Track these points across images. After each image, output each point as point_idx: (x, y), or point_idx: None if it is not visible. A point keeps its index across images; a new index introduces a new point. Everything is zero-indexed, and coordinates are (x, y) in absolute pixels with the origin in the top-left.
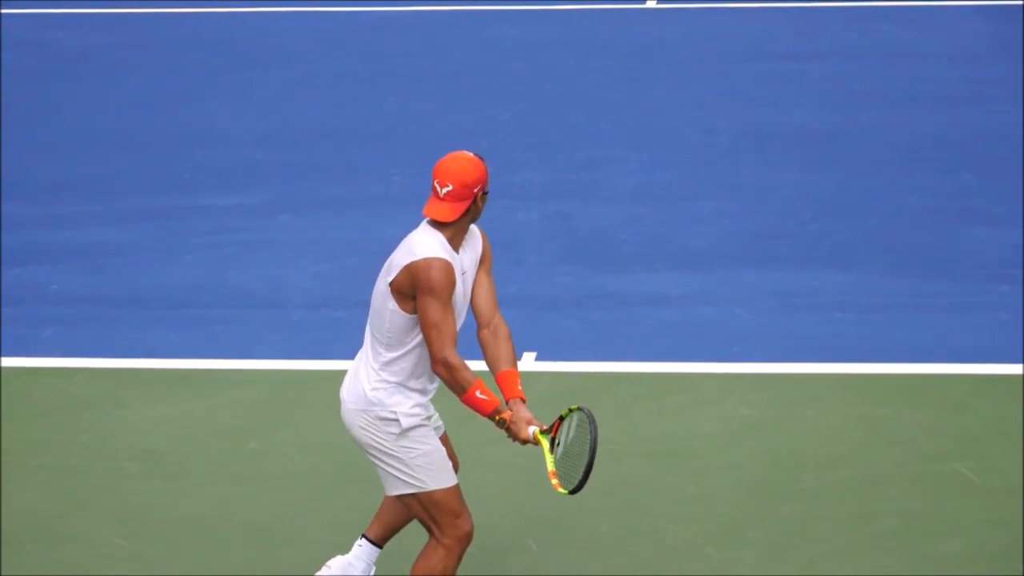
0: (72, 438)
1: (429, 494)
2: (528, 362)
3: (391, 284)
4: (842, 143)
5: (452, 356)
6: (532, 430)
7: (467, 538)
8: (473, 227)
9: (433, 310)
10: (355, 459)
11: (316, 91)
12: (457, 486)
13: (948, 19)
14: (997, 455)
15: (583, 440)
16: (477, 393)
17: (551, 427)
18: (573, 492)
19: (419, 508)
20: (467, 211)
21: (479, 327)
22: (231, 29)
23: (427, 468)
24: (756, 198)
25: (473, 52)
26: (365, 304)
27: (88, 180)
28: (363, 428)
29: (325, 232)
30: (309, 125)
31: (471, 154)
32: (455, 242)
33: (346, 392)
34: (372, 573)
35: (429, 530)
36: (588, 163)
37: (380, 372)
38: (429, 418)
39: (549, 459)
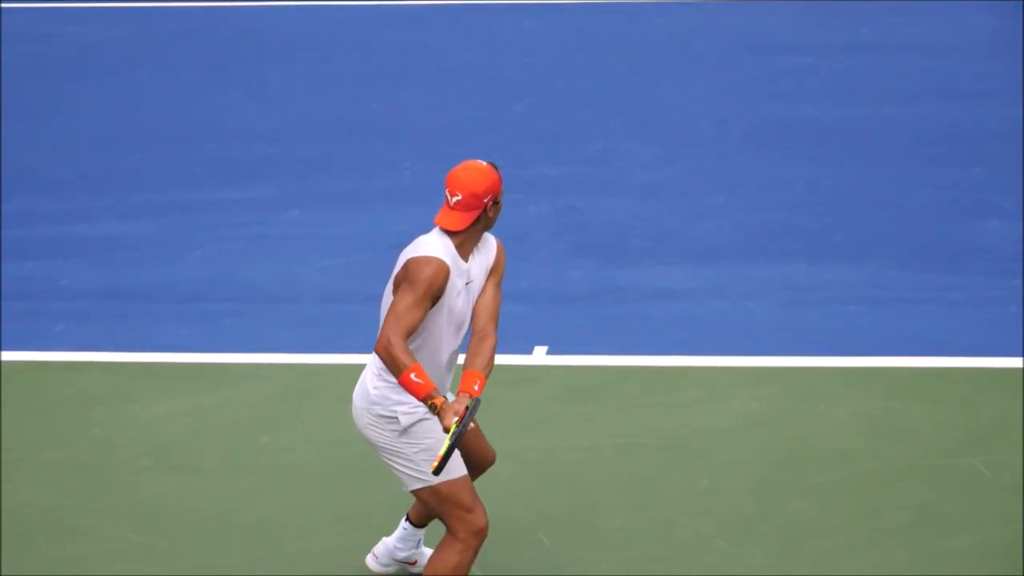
0: (83, 432)
1: (435, 488)
2: (539, 356)
3: (393, 280)
4: (854, 137)
5: (397, 339)
6: (454, 420)
7: (481, 533)
8: (489, 236)
9: (404, 300)
10: (366, 453)
11: (326, 85)
12: (466, 479)
13: (960, 14)
14: (1007, 449)
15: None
16: (412, 376)
17: (460, 417)
18: (434, 472)
19: (431, 503)
20: (477, 220)
21: (471, 333)
22: (240, 23)
23: (430, 463)
24: (768, 192)
25: (484, 46)
26: (376, 298)
27: (98, 175)
28: (369, 426)
29: (335, 227)
30: (319, 119)
31: (484, 163)
32: (464, 250)
33: (355, 392)
34: (422, 550)
35: (445, 525)
36: (599, 157)
37: (381, 371)
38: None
39: (445, 445)
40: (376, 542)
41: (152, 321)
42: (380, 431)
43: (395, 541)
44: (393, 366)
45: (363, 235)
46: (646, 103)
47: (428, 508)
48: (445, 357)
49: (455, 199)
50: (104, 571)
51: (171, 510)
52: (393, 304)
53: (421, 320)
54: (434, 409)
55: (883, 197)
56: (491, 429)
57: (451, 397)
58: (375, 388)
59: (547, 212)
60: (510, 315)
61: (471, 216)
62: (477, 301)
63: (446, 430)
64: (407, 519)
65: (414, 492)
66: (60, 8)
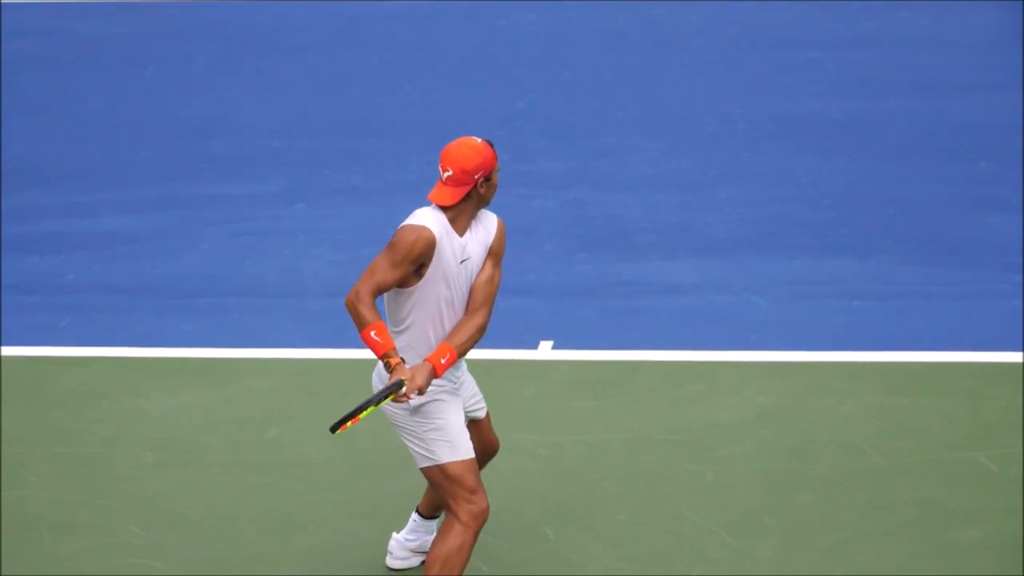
0: (89, 427)
1: (443, 467)
2: (545, 351)
3: None
4: (859, 131)
5: (365, 295)
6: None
7: (483, 515)
8: (490, 214)
9: (382, 260)
10: (372, 448)
11: (332, 80)
12: (474, 463)
13: (964, 8)
14: (1013, 443)
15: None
16: (372, 334)
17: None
18: (331, 430)
19: (437, 481)
20: (468, 196)
21: (466, 312)
22: (247, 18)
23: (440, 442)
24: (773, 186)
25: (490, 40)
26: None
27: (104, 169)
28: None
29: (342, 221)
30: (326, 114)
31: (479, 140)
32: (458, 224)
33: (374, 371)
34: (432, 536)
35: (447, 506)
36: (605, 151)
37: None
38: (456, 390)
39: (369, 411)
40: (384, 536)
41: (157, 316)
42: (393, 408)
43: (406, 533)
44: (357, 320)
45: (369, 229)
46: (652, 97)
47: (433, 487)
48: (439, 335)
49: (446, 174)
50: (109, 566)
51: (177, 505)
52: (371, 263)
53: (394, 283)
54: (388, 368)
55: (889, 191)
56: (498, 424)
57: (468, 380)
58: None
59: (553, 206)
60: (516, 310)
61: (461, 192)
62: (475, 280)
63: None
64: (417, 511)
65: (423, 470)
66: (66, 4)
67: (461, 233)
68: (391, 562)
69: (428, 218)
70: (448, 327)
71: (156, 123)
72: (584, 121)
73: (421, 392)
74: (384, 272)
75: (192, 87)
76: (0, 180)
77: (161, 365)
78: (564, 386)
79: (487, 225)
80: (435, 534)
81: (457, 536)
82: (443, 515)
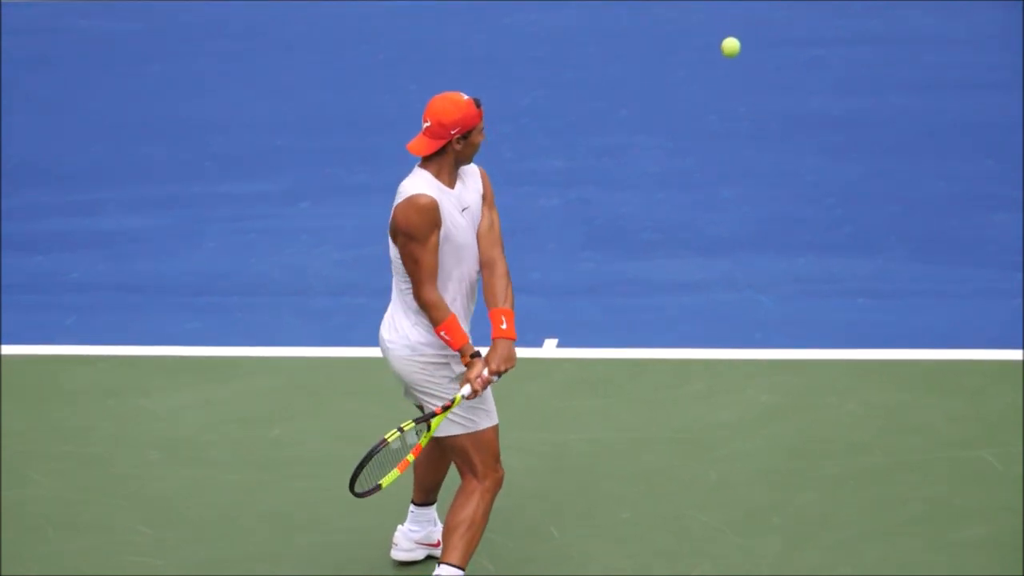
0: (94, 425)
1: (477, 434)
2: (549, 349)
3: (389, 232)
4: (864, 129)
5: (428, 294)
6: (458, 393)
7: (501, 482)
8: (472, 166)
9: (416, 252)
10: None
11: (337, 78)
12: (498, 427)
13: (968, 6)
14: (1017, 441)
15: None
16: (442, 333)
17: (444, 406)
18: (358, 493)
19: (464, 448)
20: (443, 151)
21: (481, 266)
22: (253, 16)
23: (479, 409)
24: (777, 184)
25: (494, 39)
26: (387, 290)
27: (109, 167)
28: (416, 372)
29: (346, 219)
30: (330, 112)
31: (464, 97)
32: (443, 179)
33: (388, 333)
34: (438, 527)
35: (471, 471)
36: (609, 149)
37: (417, 314)
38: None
39: (425, 437)
40: (386, 535)
41: (163, 314)
42: (428, 377)
43: (409, 524)
44: (430, 320)
45: (373, 228)
46: (656, 96)
47: (456, 454)
48: (462, 288)
49: (424, 124)
50: (114, 564)
51: (180, 504)
52: (410, 260)
53: (437, 258)
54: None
55: (893, 189)
56: (502, 423)
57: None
58: (414, 325)
59: (557, 204)
60: (520, 308)
61: (435, 144)
62: (478, 230)
63: (445, 407)
64: (413, 503)
65: (450, 438)
66: (68, 3)
67: (451, 185)
68: (396, 554)
69: (417, 185)
70: (467, 278)
71: (159, 122)
72: (587, 120)
73: (500, 373)
74: (426, 259)
75: (195, 85)
76: (2, 179)
77: (165, 363)
78: (567, 384)
79: (472, 173)
80: (438, 525)
81: (480, 499)
82: (459, 484)
